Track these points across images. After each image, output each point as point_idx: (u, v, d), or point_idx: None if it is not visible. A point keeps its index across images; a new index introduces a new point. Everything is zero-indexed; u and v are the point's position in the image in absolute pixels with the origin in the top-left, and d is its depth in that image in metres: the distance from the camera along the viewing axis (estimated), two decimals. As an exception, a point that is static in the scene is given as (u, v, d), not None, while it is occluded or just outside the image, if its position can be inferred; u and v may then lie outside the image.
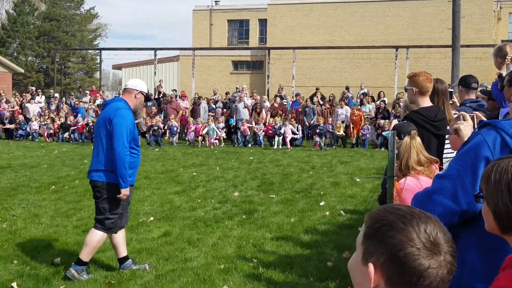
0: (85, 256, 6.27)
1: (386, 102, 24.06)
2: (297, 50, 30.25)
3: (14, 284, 6.03)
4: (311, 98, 24.98)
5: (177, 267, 6.66)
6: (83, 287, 6.02)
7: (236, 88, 27.09)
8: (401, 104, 15.68)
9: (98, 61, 47.83)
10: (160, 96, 27.11)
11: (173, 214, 9.64)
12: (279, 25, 37.14)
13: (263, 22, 40.24)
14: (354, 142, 22.47)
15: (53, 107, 26.23)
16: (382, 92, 25.42)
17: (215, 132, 22.12)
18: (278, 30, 37.07)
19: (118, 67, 45.04)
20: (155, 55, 31.70)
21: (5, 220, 9.17)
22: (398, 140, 4.13)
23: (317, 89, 26.93)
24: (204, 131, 22.24)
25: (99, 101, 26.75)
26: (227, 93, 26.77)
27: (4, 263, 6.86)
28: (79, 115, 24.37)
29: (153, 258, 7.05)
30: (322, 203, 10.24)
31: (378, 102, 23.92)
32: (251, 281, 6.10)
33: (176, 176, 13.70)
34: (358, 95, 26.11)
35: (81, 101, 26.35)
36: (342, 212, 9.53)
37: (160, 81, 30.28)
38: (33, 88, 31.14)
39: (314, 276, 6.22)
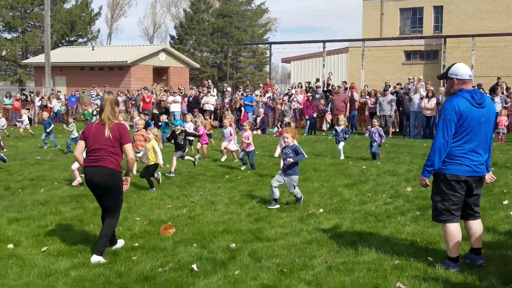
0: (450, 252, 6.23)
1: None
2: (476, 37, 28.58)
3: (194, 266, 6.43)
4: (493, 89, 23.49)
5: (348, 260, 6.65)
6: (257, 273, 6.25)
7: (409, 79, 26.29)
8: None
9: (268, 55, 49.26)
10: (328, 89, 27.21)
11: (343, 207, 9.63)
12: (456, 11, 35.46)
13: (438, 10, 38.66)
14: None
15: (226, 100, 27.47)
16: None
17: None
18: (455, 17, 35.40)
19: (286, 60, 46.00)
20: (324, 48, 31.83)
21: (185, 206, 9.83)
22: None
23: (498, 78, 25.26)
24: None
25: (269, 94, 27.55)
26: (397, 84, 26.08)
27: (185, 246, 7.35)
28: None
29: (323, 249, 7.11)
30: (505, 202, 9.59)
31: None
32: (426, 279, 5.90)
33: (345, 169, 13.67)
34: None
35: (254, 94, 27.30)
36: (528, 212, 8.86)
37: (329, 73, 30.38)
38: (209, 81, 32.85)
39: (496, 279, 5.86)
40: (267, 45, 50.39)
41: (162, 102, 27.55)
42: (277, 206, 9.55)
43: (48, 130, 19.36)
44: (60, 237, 7.94)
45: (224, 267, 6.50)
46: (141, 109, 27.66)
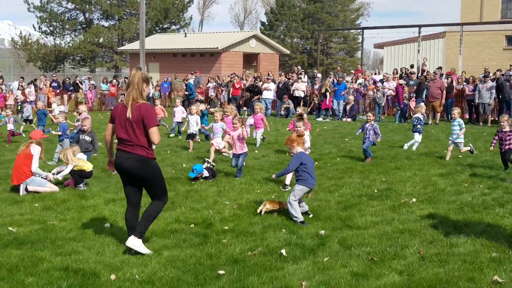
0: None
1: None
2: None
3: (283, 251, 6.48)
4: None
5: (442, 251, 6.48)
6: (347, 261, 6.22)
7: (510, 65, 25.10)
8: None
9: (360, 40, 48.46)
10: (423, 75, 26.47)
11: (437, 197, 9.39)
12: None
13: (543, -9, 36.62)
14: None
15: (316, 86, 27.33)
16: None
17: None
18: None
19: (379, 46, 45.09)
20: (419, 32, 30.95)
21: (273, 191, 9.90)
22: None
23: None
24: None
25: (360, 80, 27.14)
26: (498, 70, 24.95)
27: (274, 231, 7.42)
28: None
29: (416, 240, 6.97)
30: None
31: None
32: (526, 274, 5.66)
33: (439, 158, 13.30)
34: None
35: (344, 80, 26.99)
36: None
37: (424, 59, 29.54)
38: (299, 67, 32.78)
39: None
40: (359, 31, 49.58)
41: (256, 87, 27.62)
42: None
43: None
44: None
45: (313, 253, 6.51)
46: (231, 95, 28.04)
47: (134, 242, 6.43)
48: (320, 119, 24.74)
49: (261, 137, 16.30)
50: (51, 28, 55.15)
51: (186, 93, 28.87)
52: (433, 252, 6.46)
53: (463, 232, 7.22)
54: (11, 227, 7.53)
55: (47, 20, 54.28)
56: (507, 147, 11.48)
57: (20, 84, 29.41)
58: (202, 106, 18.06)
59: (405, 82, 24.76)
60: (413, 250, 6.56)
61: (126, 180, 6.56)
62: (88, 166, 10.41)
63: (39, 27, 54.63)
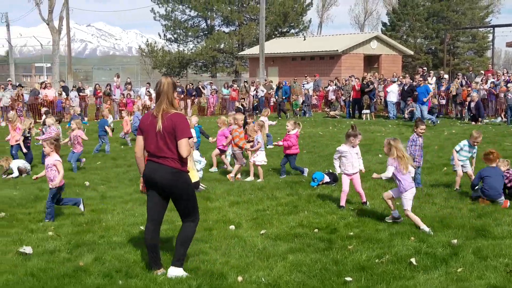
0: None
1: None
2: None
3: (412, 260, 6.31)
4: None
5: None
6: (482, 273, 5.93)
7: None
8: None
9: (490, 39, 46.21)
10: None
11: None
12: None
13: None
14: None
15: (443, 88, 26.41)
16: None
17: None
18: None
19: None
20: (558, 29, 29.03)
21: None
22: None
23: None
24: None
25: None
26: None
27: (402, 239, 7.24)
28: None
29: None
30: None
31: None
32: None
33: None
34: None
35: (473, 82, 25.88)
36: None
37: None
38: (425, 68, 31.84)
39: None
40: (489, 29, 47.34)
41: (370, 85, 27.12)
42: None
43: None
44: (277, 222, 8.31)
45: (445, 263, 6.29)
46: (351, 98, 27.69)
47: (175, 273, 5.98)
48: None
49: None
50: (175, 36, 57.49)
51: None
52: None
53: None
54: (142, 226, 7.90)
55: (171, 28, 56.68)
56: None
57: (147, 89, 30.86)
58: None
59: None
60: None
61: (153, 195, 6.04)
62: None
63: (164, 35, 57.19)
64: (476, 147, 10.40)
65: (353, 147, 9.15)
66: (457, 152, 10.32)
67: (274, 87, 32.78)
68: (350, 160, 9.05)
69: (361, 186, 9.28)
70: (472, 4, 59.93)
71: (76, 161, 13.45)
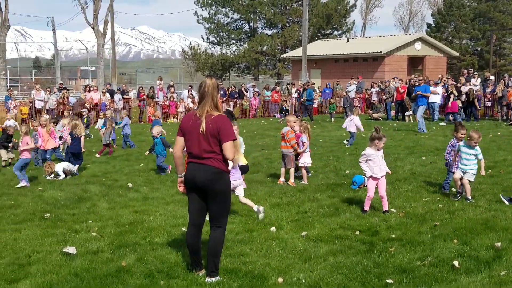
0: None
1: None
2: None
3: (455, 263, 6.21)
4: None
5: None
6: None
7: None
8: None
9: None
10: None
11: None
12: None
13: None
14: None
15: (488, 89, 25.91)
16: None
17: None
18: None
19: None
20: None
21: (442, 200, 9.53)
22: None
23: None
24: None
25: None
26: None
27: (444, 241, 7.15)
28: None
29: None
30: None
31: None
32: None
33: None
34: None
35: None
36: None
37: None
38: (471, 70, 31.31)
39: None
40: (537, 29, 46.19)
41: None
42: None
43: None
44: (318, 223, 8.30)
45: (488, 267, 6.17)
46: (394, 100, 27.33)
47: (213, 280, 5.94)
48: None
49: None
50: (218, 38, 57.97)
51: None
52: None
53: None
54: (183, 227, 8.00)
55: (214, 31, 57.20)
56: None
57: (190, 92, 31.17)
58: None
59: None
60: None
61: (193, 198, 6.02)
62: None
63: (207, 37, 57.76)
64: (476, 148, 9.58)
65: (378, 150, 9.02)
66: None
67: (317, 89, 32.75)
68: (378, 163, 8.90)
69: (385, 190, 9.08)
70: (520, 4, 58.68)
71: (18, 170, 12.06)
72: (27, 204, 10.28)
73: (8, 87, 40.01)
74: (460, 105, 24.72)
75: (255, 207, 8.81)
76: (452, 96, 24.00)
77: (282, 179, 11.65)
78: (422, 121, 21.37)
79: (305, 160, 11.67)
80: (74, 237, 7.96)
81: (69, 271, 6.43)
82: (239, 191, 9.07)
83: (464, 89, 25.25)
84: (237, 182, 8.95)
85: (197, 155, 5.86)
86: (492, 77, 28.70)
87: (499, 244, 6.88)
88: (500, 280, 5.78)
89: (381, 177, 8.93)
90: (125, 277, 6.19)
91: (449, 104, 24.08)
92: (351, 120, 17.42)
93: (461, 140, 9.81)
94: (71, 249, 7.17)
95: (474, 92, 25.20)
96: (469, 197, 9.37)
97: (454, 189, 9.91)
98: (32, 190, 11.59)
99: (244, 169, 9.97)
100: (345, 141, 17.91)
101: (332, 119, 28.07)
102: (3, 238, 8.00)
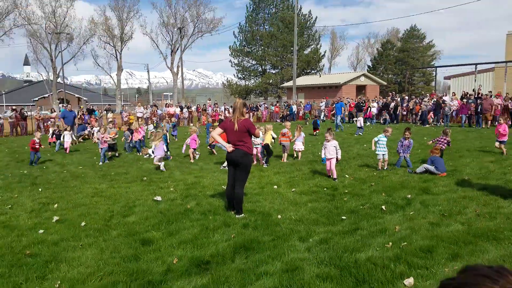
0: None
1: None
2: None
3: (383, 207, 6.17)
4: None
5: (492, 211, 5.75)
6: (425, 215, 5.78)
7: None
8: None
9: (434, 75, 44.10)
10: (478, 96, 23.54)
11: (488, 175, 8.28)
12: None
13: None
14: None
15: (404, 104, 25.47)
16: None
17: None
18: None
19: (447, 77, 40.79)
20: (476, 68, 27.57)
21: (375, 170, 9.43)
22: None
23: None
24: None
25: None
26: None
27: (377, 194, 7.06)
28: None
29: (473, 203, 6.24)
30: None
31: None
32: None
33: (491, 151, 11.73)
34: None
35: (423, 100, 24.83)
36: None
37: (479, 86, 26.26)
38: (394, 93, 30.75)
39: None
40: (433, 68, 45.26)
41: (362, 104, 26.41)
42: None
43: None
44: (302, 183, 8.24)
45: (403, 209, 6.14)
46: (347, 111, 26.98)
47: (240, 216, 5.92)
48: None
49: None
50: (243, 75, 57.58)
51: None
52: (485, 211, 5.78)
53: (507, 199, 6.36)
54: (223, 186, 7.98)
55: (241, 71, 56.82)
56: None
57: (225, 107, 31.03)
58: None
59: (466, 101, 22.18)
60: (471, 209, 5.92)
61: (231, 169, 6.01)
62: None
63: (237, 75, 57.35)
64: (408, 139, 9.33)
65: (328, 141, 8.64)
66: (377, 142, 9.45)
67: (302, 105, 32.38)
68: (328, 150, 8.60)
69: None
70: (423, 54, 57.75)
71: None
72: (133, 171, 10.35)
73: (122, 105, 40.09)
74: (376, 112, 24.94)
75: (161, 165, 10.17)
76: (369, 108, 23.88)
77: (284, 160, 11.57)
78: (340, 124, 21.14)
79: (298, 146, 11.66)
80: (160, 191, 7.97)
81: (157, 210, 6.47)
82: (156, 160, 10.35)
83: (392, 104, 24.97)
84: (159, 157, 10.31)
85: (233, 143, 5.88)
86: (406, 97, 28.21)
87: (409, 196, 6.83)
88: (409, 217, 5.74)
89: (331, 158, 8.66)
90: (189, 214, 6.23)
91: (367, 113, 23.98)
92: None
93: (407, 139, 9.38)
94: (158, 198, 7.21)
95: (398, 106, 24.87)
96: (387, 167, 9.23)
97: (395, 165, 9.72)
98: (136, 164, 11.67)
99: (266, 148, 10.44)
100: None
101: (307, 123, 27.87)
102: (120, 191, 8.09)
